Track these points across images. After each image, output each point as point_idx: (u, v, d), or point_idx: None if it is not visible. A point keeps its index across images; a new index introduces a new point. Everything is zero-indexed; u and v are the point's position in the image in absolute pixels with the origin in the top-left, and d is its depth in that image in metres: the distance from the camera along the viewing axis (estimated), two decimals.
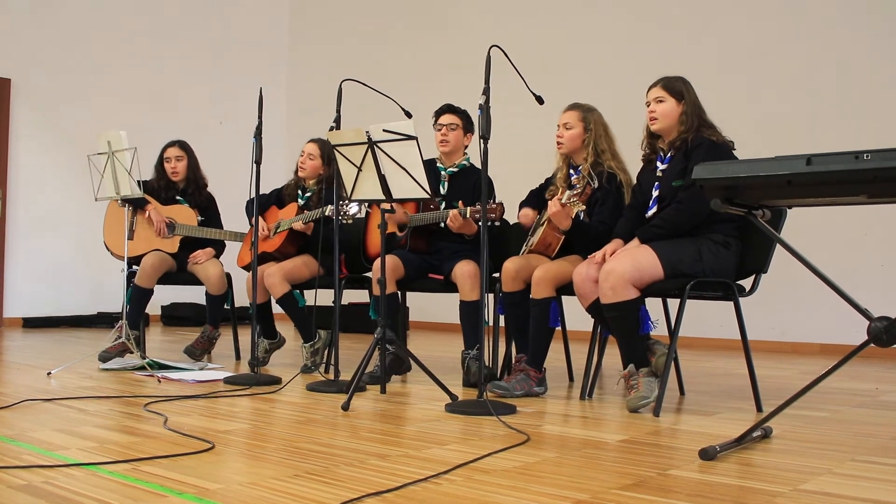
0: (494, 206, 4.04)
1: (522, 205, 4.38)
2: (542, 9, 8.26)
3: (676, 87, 3.74)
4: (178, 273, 5.39)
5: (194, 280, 5.41)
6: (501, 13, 8.51)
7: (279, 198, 5.30)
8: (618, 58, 7.64)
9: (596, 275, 3.61)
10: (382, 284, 3.92)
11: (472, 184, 4.52)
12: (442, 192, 4.60)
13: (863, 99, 6.42)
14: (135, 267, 5.21)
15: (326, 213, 4.70)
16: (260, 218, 4.57)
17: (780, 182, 2.43)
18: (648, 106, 3.80)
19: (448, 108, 4.63)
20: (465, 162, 4.65)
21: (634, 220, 3.84)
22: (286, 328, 8.52)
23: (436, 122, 4.63)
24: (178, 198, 5.52)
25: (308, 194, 5.15)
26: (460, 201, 4.36)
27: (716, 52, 7.08)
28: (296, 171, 5.25)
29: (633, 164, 4.13)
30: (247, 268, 5.15)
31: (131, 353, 4.88)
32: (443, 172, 4.63)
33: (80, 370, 4.64)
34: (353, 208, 4.34)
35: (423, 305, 7.38)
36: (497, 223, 4.12)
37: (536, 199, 4.37)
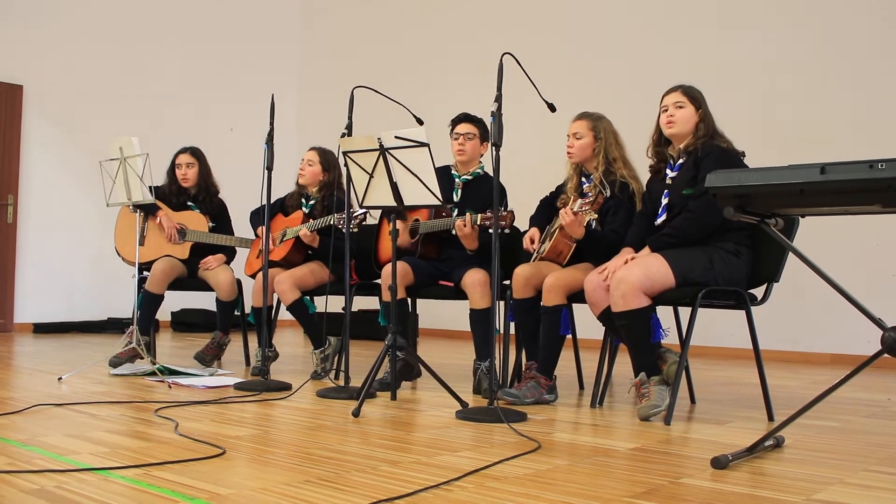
0: (505, 213, 4.03)
1: (532, 220, 4.36)
2: (554, 15, 8.27)
3: (695, 94, 3.76)
4: (189, 279, 5.41)
5: (205, 286, 5.42)
6: (514, 20, 8.52)
7: (282, 207, 5.32)
8: (630, 66, 7.64)
9: (607, 283, 3.60)
10: (393, 291, 3.92)
11: (485, 191, 4.51)
12: (455, 199, 4.60)
13: (879, 108, 6.40)
14: (145, 273, 5.22)
15: (332, 222, 4.71)
16: (264, 229, 4.57)
17: (794, 191, 2.42)
18: (666, 111, 3.78)
19: (465, 118, 4.62)
20: (479, 170, 4.65)
21: (645, 229, 3.83)
22: (297, 334, 8.56)
23: (452, 130, 4.63)
24: (189, 204, 5.53)
25: (312, 202, 5.17)
26: (468, 213, 4.34)
27: (726, 61, 7.06)
28: (297, 180, 5.28)
29: (643, 171, 4.13)
30: (255, 276, 5.16)
31: (142, 358, 4.89)
32: (457, 180, 4.64)
33: (90, 375, 4.65)
34: (358, 211, 4.35)
35: (434, 312, 7.39)
36: (507, 230, 4.11)
37: (546, 211, 4.36)
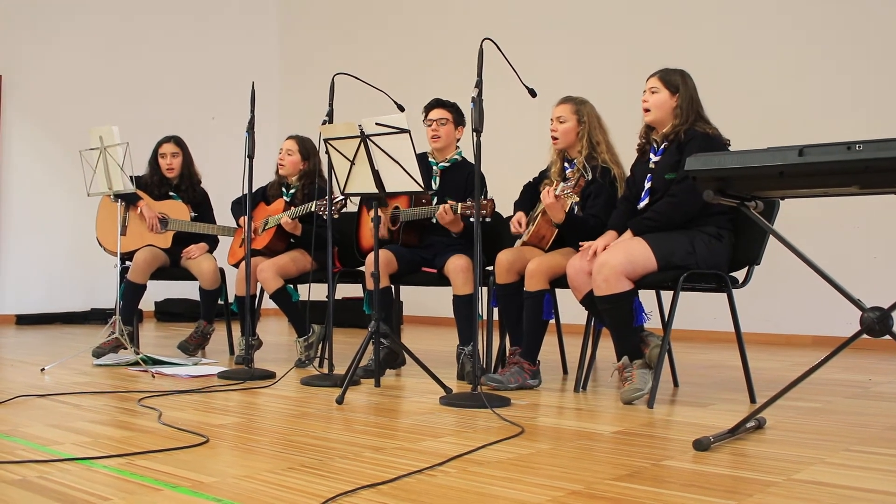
0: (485, 202, 4.04)
1: (517, 205, 4.37)
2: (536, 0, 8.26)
3: (672, 80, 3.74)
4: (172, 268, 5.39)
5: (188, 275, 5.40)
6: (495, 5, 8.50)
7: (264, 196, 5.30)
8: (612, 50, 7.64)
9: (589, 267, 3.61)
10: (376, 278, 3.92)
11: (464, 178, 4.52)
12: (434, 187, 4.59)
13: (857, 91, 6.43)
14: (127, 262, 5.20)
15: (313, 209, 4.70)
16: (246, 218, 4.56)
17: (773, 173, 2.43)
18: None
19: (437, 103, 4.60)
20: (456, 156, 4.64)
21: (627, 212, 3.84)
22: (280, 323, 8.55)
23: (426, 117, 4.61)
24: (171, 193, 5.50)
25: (292, 191, 5.16)
26: (448, 202, 4.33)
27: (712, 43, 7.07)
28: (276, 170, 5.26)
29: (625, 157, 4.14)
30: (238, 266, 5.15)
31: (125, 348, 4.88)
32: (434, 167, 4.62)
33: (73, 366, 4.63)
34: (337, 197, 4.34)
35: (417, 299, 7.40)
36: (488, 219, 4.11)
37: (530, 195, 4.36)
